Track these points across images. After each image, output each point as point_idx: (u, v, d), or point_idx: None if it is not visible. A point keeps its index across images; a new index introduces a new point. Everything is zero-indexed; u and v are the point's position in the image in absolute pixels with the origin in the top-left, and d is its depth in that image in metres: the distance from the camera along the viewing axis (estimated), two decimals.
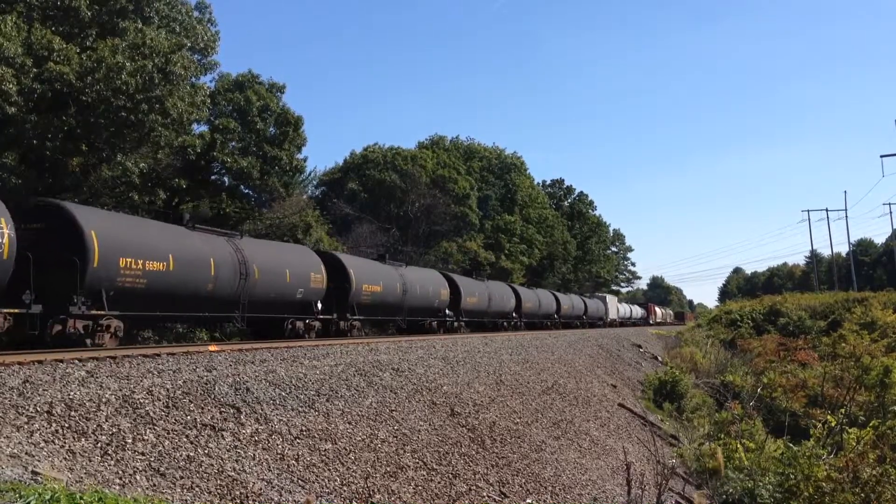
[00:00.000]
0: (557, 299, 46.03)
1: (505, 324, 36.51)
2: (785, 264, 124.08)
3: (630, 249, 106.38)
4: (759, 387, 27.00)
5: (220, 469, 7.76)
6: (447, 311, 29.30)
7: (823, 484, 13.13)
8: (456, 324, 30.18)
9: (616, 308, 67.26)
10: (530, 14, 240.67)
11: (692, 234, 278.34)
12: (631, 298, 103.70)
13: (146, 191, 25.72)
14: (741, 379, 30.33)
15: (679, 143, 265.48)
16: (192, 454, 7.78)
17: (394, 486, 9.43)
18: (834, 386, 27.73)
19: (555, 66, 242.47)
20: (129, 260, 13.80)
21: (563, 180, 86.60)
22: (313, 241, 32.72)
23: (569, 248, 71.12)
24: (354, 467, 9.34)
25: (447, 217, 48.65)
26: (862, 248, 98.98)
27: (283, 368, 11.71)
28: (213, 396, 9.32)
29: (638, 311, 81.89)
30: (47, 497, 4.99)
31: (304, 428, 9.67)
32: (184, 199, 30.21)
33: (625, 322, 70.18)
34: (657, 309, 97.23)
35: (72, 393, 7.97)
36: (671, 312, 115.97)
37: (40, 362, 9.30)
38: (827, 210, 77.22)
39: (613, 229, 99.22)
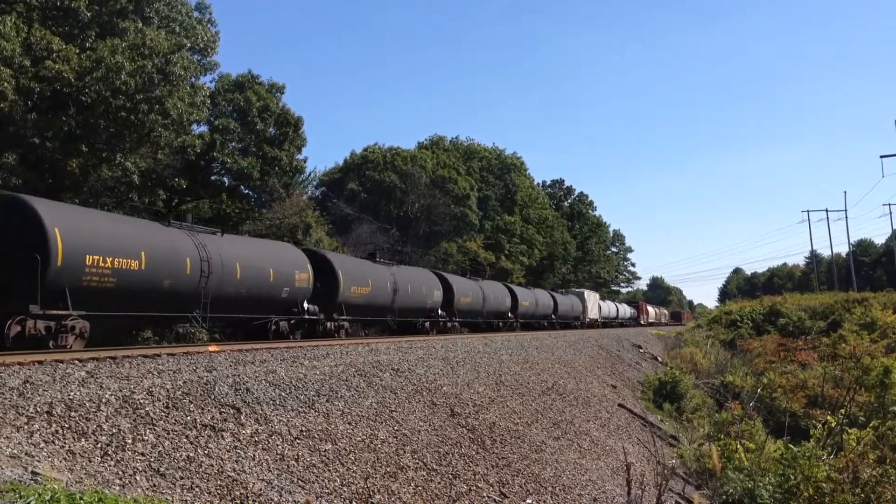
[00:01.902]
0: (514, 294, 38.30)
1: (427, 325, 28.92)
2: (785, 265, 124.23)
3: (630, 250, 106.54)
4: (759, 387, 26.99)
5: (220, 469, 7.75)
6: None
7: (823, 484, 13.12)
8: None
9: (597, 306, 59.24)
10: (530, 14, 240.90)
11: (692, 234, 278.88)
12: (630, 299, 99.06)
13: (146, 191, 25.71)
14: (741, 379, 30.33)
15: (679, 144, 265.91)
16: (192, 454, 7.77)
17: (394, 486, 9.42)
18: (834, 386, 27.72)
19: (555, 66, 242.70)
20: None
21: (563, 180, 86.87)
22: (313, 242, 32.74)
23: (569, 248, 71.17)
24: (354, 468, 9.34)
25: (447, 217, 48.68)
26: (862, 248, 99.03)
27: (283, 369, 11.71)
28: (213, 397, 9.32)
29: (626, 310, 73.91)
30: (47, 497, 4.99)
31: (303, 428, 9.67)
32: (184, 199, 30.22)
33: (609, 322, 62.88)
34: (649, 308, 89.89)
35: (72, 393, 7.97)
36: (666, 312, 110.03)
37: (40, 363, 9.30)
38: (827, 210, 77.22)
39: (613, 230, 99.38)
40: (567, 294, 53.08)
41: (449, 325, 29.93)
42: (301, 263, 20.02)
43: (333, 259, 21.95)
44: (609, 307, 65.59)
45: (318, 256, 21.47)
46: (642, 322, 77.31)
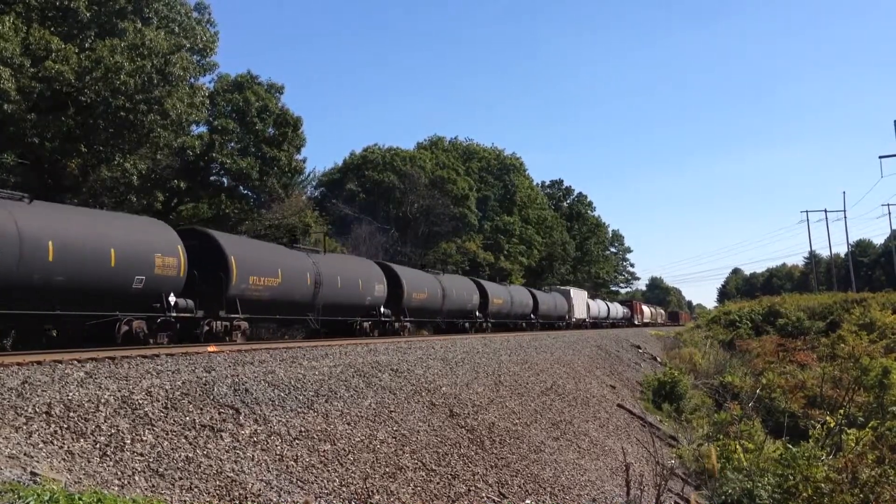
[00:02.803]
0: (483, 291, 33.70)
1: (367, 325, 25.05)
2: (784, 265, 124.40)
3: (629, 250, 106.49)
4: (758, 387, 27.01)
5: (219, 470, 7.75)
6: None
7: (822, 485, 13.13)
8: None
9: (585, 304, 54.90)
10: (530, 14, 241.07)
11: (691, 234, 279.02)
12: (624, 298, 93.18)
13: (145, 192, 25.73)
14: (740, 380, 30.33)
15: (678, 144, 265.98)
16: (190, 455, 7.77)
17: (393, 486, 9.42)
18: (833, 387, 27.74)
19: (554, 67, 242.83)
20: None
21: (562, 181, 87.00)
22: (312, 242, 32.74)
23: (568, 248, 71.23)
24: (353, 468, 9.34)
25: (446, 218, 48.69)
26: (861, 248, 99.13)
27: (282, 369, 11.71)
28: (211, 397, 9.32)
29: (619, 310, 69.98)
30: (46, 498, 4.99)
31: (302, 429, 9.67)
32: (183, 200, 30.22)
33: (600, 322, 59.35)
34: (644, 308, 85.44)
35: (70, 394, 7.97)
36: (663, 312, 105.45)
37: (39, 363, 9.30)
38: (826, 211, 77.10)
39: (612, 230, 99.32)
40: (550, 292, 48.30)
41: (397, 325, 26.03)
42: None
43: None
44: (599, 306, 61.68)
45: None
46: (637, 322, 73.84)
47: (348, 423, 10.54)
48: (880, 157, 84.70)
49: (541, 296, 43.43)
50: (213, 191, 30.15)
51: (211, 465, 7.75)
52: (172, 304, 15.60)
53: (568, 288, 52.92)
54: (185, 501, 6.95)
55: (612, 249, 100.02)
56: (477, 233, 53.15)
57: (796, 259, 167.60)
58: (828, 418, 18.77)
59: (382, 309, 24.71)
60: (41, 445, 6.75)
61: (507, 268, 54.14)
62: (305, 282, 20.28)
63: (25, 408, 7.28)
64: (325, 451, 9.40)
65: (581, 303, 53.07)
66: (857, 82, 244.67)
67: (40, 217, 13.07)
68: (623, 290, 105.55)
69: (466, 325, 31.71)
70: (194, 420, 8.54)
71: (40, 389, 7.91)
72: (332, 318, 22.03)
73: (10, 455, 6.31)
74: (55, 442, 6.92)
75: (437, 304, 29.02)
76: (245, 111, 28.84)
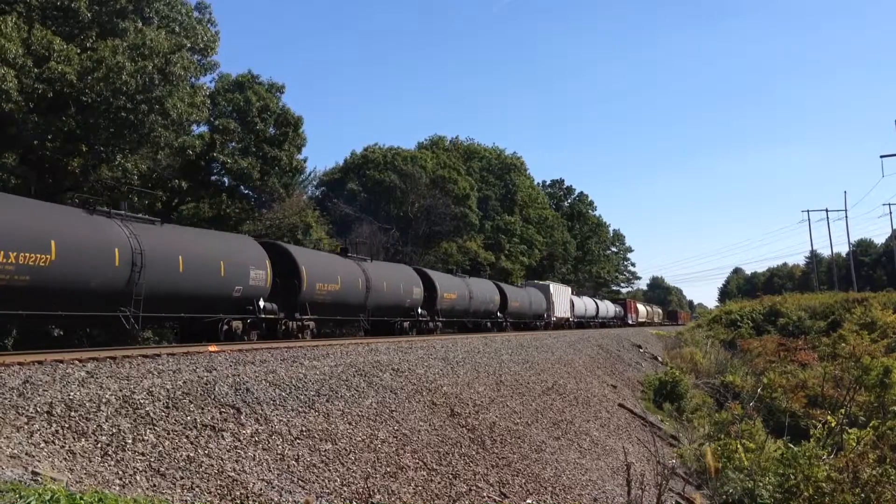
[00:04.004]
0: (430, 284, 28.59)
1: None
2: (785, 265, 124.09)
3: (630, 250, 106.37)
4: (759, 387, 26.98)
5: (221, 469, 7.75)
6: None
7: (823, 484, 13.12)
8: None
9: (568, 302, 49.52)
10: (530, 14, 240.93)
11: (692, 234, 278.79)
12: (616, 297, 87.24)
13: (146, 191, 25.72)
14: (741, 379, 30.33)
15: (679, 144, 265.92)
16: (192, 454, 7.77)
17: (394, 486, 9.42)
18: (834, 386, 27.71)
19: (555, 67, 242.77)
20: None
21: (563, 180, 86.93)
22: (313, 242, 32.73)
23: (569, 248, 71.18)
24: (354, 467, 9.34)
25: (447, 217, 48.64)
26: (862, 248, 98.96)
27: (283, 369, 11.71)
28: (213, 397, 9.32)
29: (610, 309, 64.59)
30: (47, 497, 4.99)
31: (304, 428, 9.67)
32: (184, 199, 30.21)
33: (587, 322, 54.28)
34: (640, 306, 79.85)
35: (72, 393, 7.97)
36: (660, 311, 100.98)
37: (40, 363, 9.30)
38: (827, 210, 77.42)
39: (613, 230, 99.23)
40: (525, 287, 43.52)
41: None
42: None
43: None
44: (585, 304, 56.30)
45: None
46: (630, 322, 68.97)
47: (349, 423, 10.54)
48: (881, 157, 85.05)
49: (511, 291, 38.26)
50: (213, 190, 30.13)
51: (212, 465, 7.76)
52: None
53: (547, 283, 47.56)
54: (186, 501, 6.95)
55: (613, 249, 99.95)
56: (478, 232, 53.10)
57: (797, 259, 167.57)
58: (829, 418, 18.75)
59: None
60: (42, 445, 6.75)
61: (507, 267, 54.11)
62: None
63: (27, 407, 7.29)
64: (326, 450, 9.40)
65: (563, 300, 48.33)
66: (857, 82, 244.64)
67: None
68: (624, 290, 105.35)
69: (405, 325, 27.46)
70: (195, 419, 8.54)
71: (42, 389, 7.91)
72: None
73: (12, 454, 6.32)
74: (56, 441, 6.92)
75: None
76: (246, 111, 28.82)
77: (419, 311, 27.06)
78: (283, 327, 19.32)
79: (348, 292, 22.26)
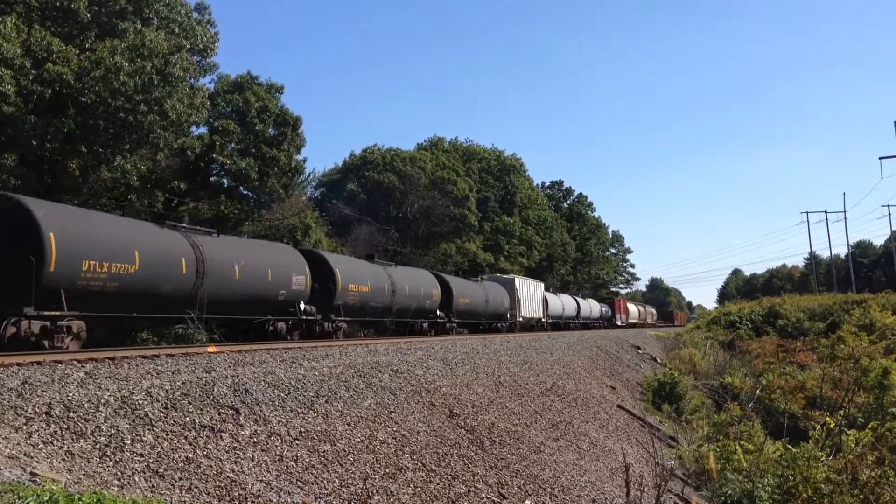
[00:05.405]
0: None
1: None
2: (784, 266, 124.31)
3: (629, 251, 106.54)
4: (757, 388, 26.98)
5: (219, 470, 7.75)
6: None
7: (822, 485, 13.12)
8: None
9: (541, 300, 42.69)
10: (530, 15, 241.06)
11: (691, 235, 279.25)
12: (604, 295, 76.17)
13: (145, 192, 25.72)
14: (740, 380, 30.31)
15: (679, 144, 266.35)
16: (190, 455, 7.77)
17: (392, 487, 9.42)
18: (833, 387, 27.71)
19: (555, 67, 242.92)
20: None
21: (563, 182, 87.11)
22: (312, 242, 32.72)
23: (568, 249, 71.21)
24: (353, 468, 9.34)
25: (446, 218, 48.68)
26: (861, 249, 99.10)
27: (282, 370, 11.70)
28: (211, 398, 9.32)
29: (594, 308, 57.30)
30: (46, 498, 4.98)
31: (302, 429, 9.67)
32: (183, 200, 30.21)
33: (565, 323, 47.85)
34: (630, 306, 72.87)
35: (70, 394, 7.97)
36: (654, 311, 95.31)
37: (39, 363, 9.30)
38: (826, 212, 77.64)
39: (612, 231, 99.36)
40: (480, 281, 36.27)
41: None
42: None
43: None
44: (563, 303, 48.22)
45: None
46: (619, 323, 62.73)
47: (348, 424, 10.54)
48: (880, 158, 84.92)
49: (460, 285, 31.48)
50: (213, 191, 30.15)
51: (211, 466, 7.75)
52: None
53: (512, 276, 39.95)
54: (184, 502, 6.95)
55: (612, 250, 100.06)
56: (477, 233, 53.12)
57: (796, 260, 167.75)
58: (828, 419, 18.73)
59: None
60: (41, 446, 6.74)
61: (506, 268, 54.16)
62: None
63: (25, 408, 7.28)
64: (324, 451, 9.40)
65: (533, 297, 41.27)
66: (857, 82, 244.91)
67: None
68: (623, 291, 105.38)
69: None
70: (194, 420, 8.53)
71: (40, 390, 7.91)
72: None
73: (10, 455, 6.31)
74: (55, 442, 6.91)
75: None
76: (245, 111, 28.86)
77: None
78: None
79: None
